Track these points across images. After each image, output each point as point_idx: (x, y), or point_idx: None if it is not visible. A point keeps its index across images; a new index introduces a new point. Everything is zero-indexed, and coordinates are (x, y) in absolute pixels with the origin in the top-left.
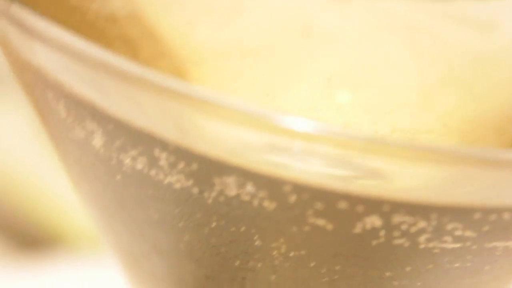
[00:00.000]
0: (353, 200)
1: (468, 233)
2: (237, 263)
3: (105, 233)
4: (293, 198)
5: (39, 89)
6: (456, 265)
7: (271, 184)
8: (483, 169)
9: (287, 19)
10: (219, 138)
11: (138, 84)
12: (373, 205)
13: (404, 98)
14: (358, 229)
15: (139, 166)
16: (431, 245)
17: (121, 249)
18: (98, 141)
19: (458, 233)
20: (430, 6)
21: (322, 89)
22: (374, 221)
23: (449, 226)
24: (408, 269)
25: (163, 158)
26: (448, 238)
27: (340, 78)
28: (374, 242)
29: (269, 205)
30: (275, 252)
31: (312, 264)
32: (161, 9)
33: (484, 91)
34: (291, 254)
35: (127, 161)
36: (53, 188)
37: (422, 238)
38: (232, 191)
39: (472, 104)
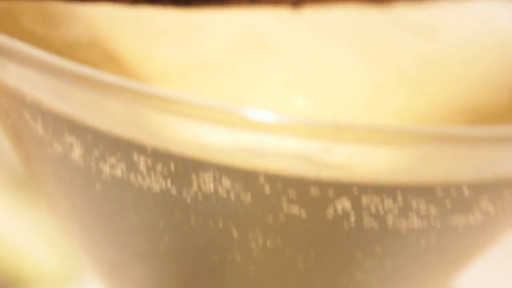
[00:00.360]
0: (324, 185)
1: (432, 210)
2: (216, 258)
3: (84, 247)
4: (267, 189)
5: (16, 111)
6: (422, 244)
7: (245, 177)
8: (441, 147)
9: (242, 34)
10: (194, 137)
11: (110, 91)
12: (343, 189)
13: (359, 99)
14: (330, 214)
15: (119, 172)
16: (398, 225)
17: (101, 260)
18: (76, 153)
19: (422, 211)
20: (375, 16)
21: (281, 96)
22: (344, 204)
23: (414, 205)
24: (378, 250)
25: (142, 162)
26: (413, 217)
27: (297, 85)
28: (346, 226)
29: (245, 197)
30: (253, 244)
31: (288, 253)
32: (120, 34)
33: (433, 88)
34: (268, 244)
35: (106, 169)
36: (12, 231)
37: (390, 219)
38: (209, 187)
39: (423, 100)
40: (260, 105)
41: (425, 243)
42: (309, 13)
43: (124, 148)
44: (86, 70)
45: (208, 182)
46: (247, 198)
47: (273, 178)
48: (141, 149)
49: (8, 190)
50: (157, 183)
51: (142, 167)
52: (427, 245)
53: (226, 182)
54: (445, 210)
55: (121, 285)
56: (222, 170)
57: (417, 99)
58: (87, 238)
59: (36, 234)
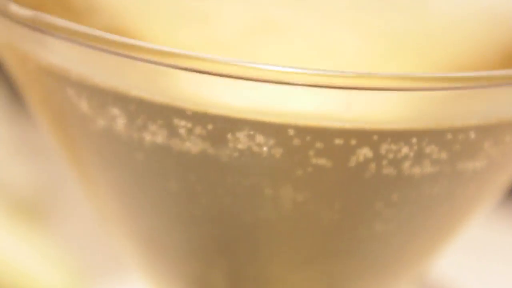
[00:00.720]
0: (347, 135)
1: (443, 155)
2: (248, 217)
3: (122, 221)
4: (296, 142)
5: (60, 90)
6: (435, 190)
7: (276, 132)
8: (449, 92)
9: (248, 18)
10: (229, 97)
11: (154, 57)
12: (364, 137)
13: (362, 67)
14: (353, 163)
15: (159, 139)
16: (413, 170)
17: (139, 231)
18: (119, 125)
19: (435, 156)
20: None
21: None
22: (366, 153)
23: (427, 150)
24: (395, 198)
25: (181, 126)
26: (427, 162)
27: (301, 62)
28: (367, 175)
29: (276, 152)
30: (283, 199)
31: (315, 206)
32: (143, 20)
33: (430, 54)
34: (298, 198)
35: (148, 137)
36: (12, 252)
37: (406, 165)
38: (244, 145)
39: (422, 64)
40: None
41: (437, 190)
42: None
43: (165, 114)
44: (129, 40)
45: (242, 140)
46: (278, 152)
47: (301, 131)
48: (181, 113)
49: (8, 212)
50: (195, 146)
51: (181, 131)
52: (439, 192)
53: (259, 138)
54: (454, 155)
55: (159, 254)
56: (256, 127)
57: (416, 63)
58: (126, 210)
59: (37, 255)
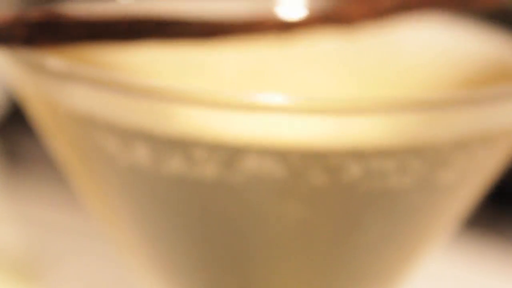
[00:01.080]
0: (341, 156)
1: (422, 170)
2: (257, 237)
3: (143, 247)
4: (298, 165)
5: (85, 135)
6: (417, 201)
7: (280, 156)
8: (428, 111)
9: (242, 66)
10: (239, 127)
11: (175, 98)
12: (356, 157)
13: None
14: (345, 180)
15: (179, 170)
16: (397, 185)
17: (159, 257)
18: (143, 160)
19: (415, 170)
20: (350, 44)
21: None
22: (356, 170)
23: (409, 165)
24: (381, 211)
25: (198, 156)
26: (408, 177)
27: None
28: (358, 190)
29: (280, 175)
30: (284, 219)
31: (311, 222)
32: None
33: (399, 91)
34: (298, 215)
35: (169, 169)
36: None
37: (391, 180)
38: (251, 170)
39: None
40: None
41: (418, 201)
42: (295, 46)
43: (184, 146)
44: (152, 83)
45: (250, 166)
46: (282, 175)
47: (301, 155)
48: (197, 145)
49: (6, 272)
50: (211, 173)
51: (197, 161)
52: (420, 203)
53: (265, 164)
54: (431, 168)
55: (175, 274)
56: (261, 154)
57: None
58: (147, 237)
59: None
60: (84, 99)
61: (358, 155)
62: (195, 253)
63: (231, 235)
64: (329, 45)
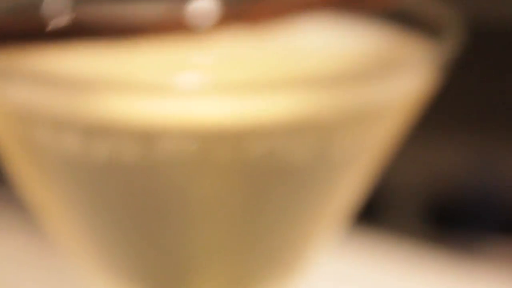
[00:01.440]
0: (241, 135)
1: (319, 147)
2: (174, 211)
3: (82, 231)
4: (208, 144)
5: (23, 128)
6: (309, 177)
7: (190, 136)
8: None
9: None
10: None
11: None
12: (258, 134)
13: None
14: (251, 156)
15: (107, 154)
16: (290, 159)
17: (96, 240)
18: (74, 148)
19: (306, 147)
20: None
21: None
22: (259, 147)
23: (306, 142)
24: (286, 185)
25: (120, 142)
26: (299, 153)
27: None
28: (263, 166)
29: (192, 153)
30: (197, 192)
31: (223, 198)
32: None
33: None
34: (207, 190)
35: (96, 155)
36: None
37: (285, 155)
38: (167, 149)
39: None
40: None
41: (314, 176)
42: (210, 44)
43: (107, 132)
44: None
45: (166, 146)
46: (194, 153)
47: (209, 134)
48: (120, 130)
49: None
50: (134, 155)
51: (121, 144)
52: (316, 178)
53: (180, 143)
54: (325, 144)
55: (111, 251)
56: (176, 134)
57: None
58: (84, 226)
59: None
60: (18, 94)
61: (259, 132)
62: (127, 233)
63: (156, 212)
64: (237, 43)
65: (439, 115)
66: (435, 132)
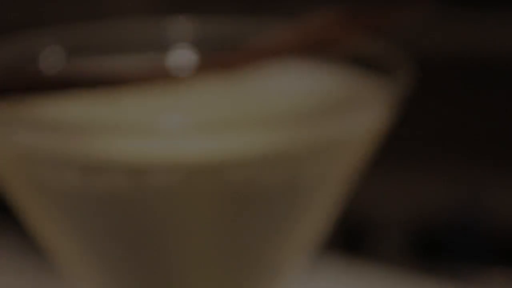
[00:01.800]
0: (219, 167)
1: (286, 173)
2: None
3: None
4: (189, 176)
5: (28, 167)
6: (280, 201)
7: (175, 171)
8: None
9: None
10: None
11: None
12: (233, 167)
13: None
14: (227, 184)
15: (103, 189)
16: (265, 184)
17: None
18: (74, 184)
19: (276, 174)
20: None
21: None
22: (234, 176)
23: (275, 170)
24: (257, 206)
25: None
26: (276, 179)
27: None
28: (237, 191)
29: (176, 185)
30: (183, 221)
31: (201, 221)
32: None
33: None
34: (192, 216)
35: (93, 189)
36: None
37: (259, 182)
38: (152, 183)
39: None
40: None
41: (284, 200)
42: (190, 89)
43: (101, 170)
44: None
45: (153, 179)
46: (177, 185)
47: (192, 168)
48: (113, 167)
49: None
50: (127, 189)
51: (114, 179)
52: (286, 202)
53: (166, 177)
54: (293, 173)
55: (107, 266)
56: (162, 169)
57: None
58: (84, 250)
59: None
60: (22, 140)
61: (235, 165)
62: (122, 256)
63: (147, 237)
64: (214, 87)
65: (427, 147)
66: (423, 164)
